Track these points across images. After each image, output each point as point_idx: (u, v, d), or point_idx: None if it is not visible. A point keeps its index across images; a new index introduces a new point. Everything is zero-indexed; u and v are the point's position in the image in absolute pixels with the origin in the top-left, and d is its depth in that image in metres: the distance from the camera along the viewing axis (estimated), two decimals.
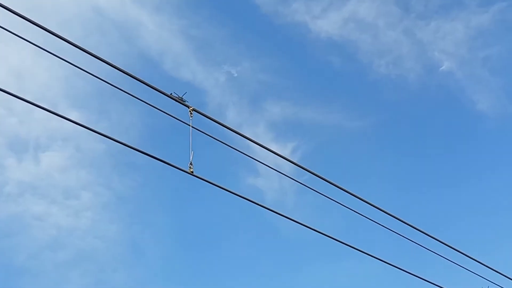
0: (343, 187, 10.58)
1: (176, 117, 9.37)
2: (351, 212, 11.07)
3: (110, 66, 8.01)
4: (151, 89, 8.83)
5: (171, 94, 9.46)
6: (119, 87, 8.40)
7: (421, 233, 11.89)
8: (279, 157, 9.88)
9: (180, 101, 9.54)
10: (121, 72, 8.20)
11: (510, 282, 13.70)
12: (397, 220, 11.71)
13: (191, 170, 9.16)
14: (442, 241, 11.47)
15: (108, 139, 8.00)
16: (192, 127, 9.34)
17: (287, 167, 11.18)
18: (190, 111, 9.55)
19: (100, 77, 8.21)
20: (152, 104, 9.04)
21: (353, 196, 10.85)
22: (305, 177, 11.04)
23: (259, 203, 10.08)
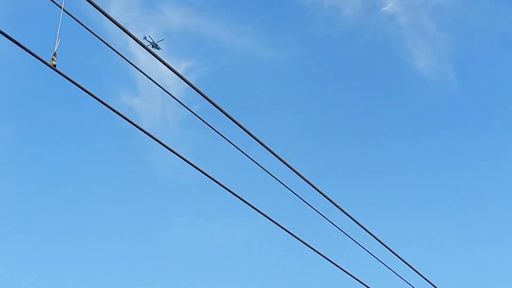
0: (244, 126, 8.87)
1: None
2: (246, 159, 9.41)
3: None
4: None
5: None
6: None
7: (324, 197, 10.35)
8: (168, 73, 8.04)
9: None
10: None
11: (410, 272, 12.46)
12: (300, 177, 10.12)
13: (54, 63, 7.27)
14: (343, 210, 9.96)
15: None
16: (64, 10, 7.38)
17: (174, 89, 9.41)
18: None
19: None
20: None
21: (254, 140, 9.17)
22: (197, 106, 9.30)
23: (136, 124, 8.25)
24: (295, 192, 9.52)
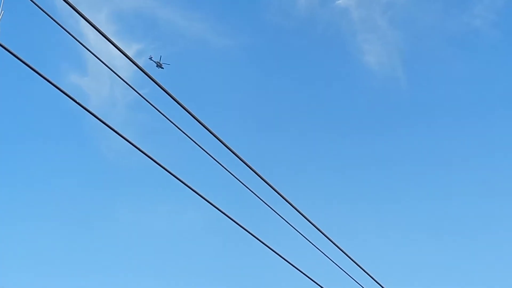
0: (192, 111, 8.77)
1: None
2: (193, 145, 9.31)
3: None
4: None
5: None
6: None
7: (272, 189, 10.33)
8: (118, 53, 7.88)
9: None
10: None
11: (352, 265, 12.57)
12: (247, 167, 10.07)
13: None
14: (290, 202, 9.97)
15: None
16: None
17: (124, 70, 9.25)
18: None
19: None
20: None
21: (202, 126, 9.07)
22: (146, 90, 9.15)
23: (83, 105, 8.08)
24: (239, 179, 9.48)
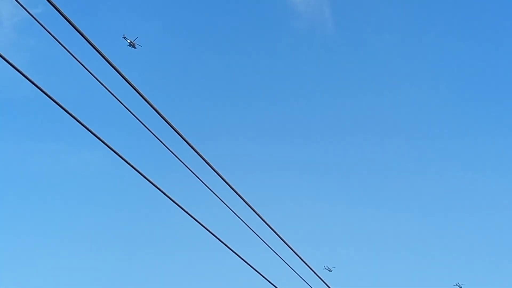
0: (89, 38, 7.85)
1: None
2: (89, 76, 8.40)
3: None
4: None
5: None
6: None
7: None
8: None
9: None
10: None
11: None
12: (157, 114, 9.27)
13: None
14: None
15: None
16: None
17: None
18: None
19: None
20: None
21: (101, 57, 8.16)
22: (39, 9, 8.15)
23: None
24: (142, 121, 8.69)
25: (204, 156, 10.71)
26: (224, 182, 11.34)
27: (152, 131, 9.76)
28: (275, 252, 14.47)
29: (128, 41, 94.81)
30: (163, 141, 10.18)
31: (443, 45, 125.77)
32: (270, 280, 14.67)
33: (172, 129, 9.83)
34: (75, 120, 8.59)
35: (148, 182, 10.16)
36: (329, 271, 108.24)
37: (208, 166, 10.87)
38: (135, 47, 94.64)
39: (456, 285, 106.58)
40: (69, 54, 8.26)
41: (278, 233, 13.40)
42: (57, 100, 8.17)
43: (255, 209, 12.56)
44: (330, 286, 14.47)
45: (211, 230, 10.86)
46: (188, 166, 10.93)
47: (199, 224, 10.52)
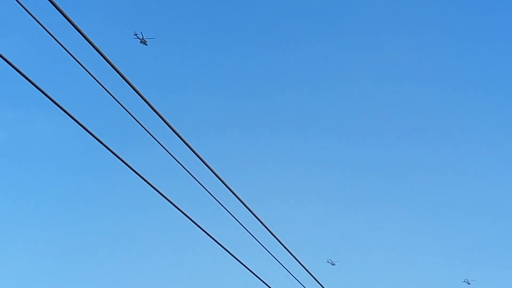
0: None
1: None
2: (51, 39, 7.98)
3: None
4: None
5: None
6: None
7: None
8: None
9: None
10: None
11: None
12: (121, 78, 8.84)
13: None
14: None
15: None
16: None
17: None
18: None
19: None
20: None
21: (63, 16, 7.73)
22: None
23: None
24: (103, 85, 8.25)
25: (194, 148, 10.28)
26: (218, 178, 10.90)
27: (141, 123, 9.35)
28: (267, 250, 14.01)
29: (140, 38, 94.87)
30: (154, 136, 9.78)
31: (443, 45, 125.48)
32: (264, 281, 14.14)
33: (165, 123, 9.42)
34: (29, 82, 8.19)
35: (129, 168, 9.74)
36: (333, 264, 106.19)
37: (200, 160, 10.45)
38: (146, 44, 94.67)
39: (465, 281, 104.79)
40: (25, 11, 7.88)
41: (270, 229, 12.93)
42: (14, 65, 7.77)
43: (246, 204, 12.09)
44: (323, 286, 13.88)
45: (190, 217, 10.39)
46: (177, 159, 10.53)
47: (177, 208, 10.04)
